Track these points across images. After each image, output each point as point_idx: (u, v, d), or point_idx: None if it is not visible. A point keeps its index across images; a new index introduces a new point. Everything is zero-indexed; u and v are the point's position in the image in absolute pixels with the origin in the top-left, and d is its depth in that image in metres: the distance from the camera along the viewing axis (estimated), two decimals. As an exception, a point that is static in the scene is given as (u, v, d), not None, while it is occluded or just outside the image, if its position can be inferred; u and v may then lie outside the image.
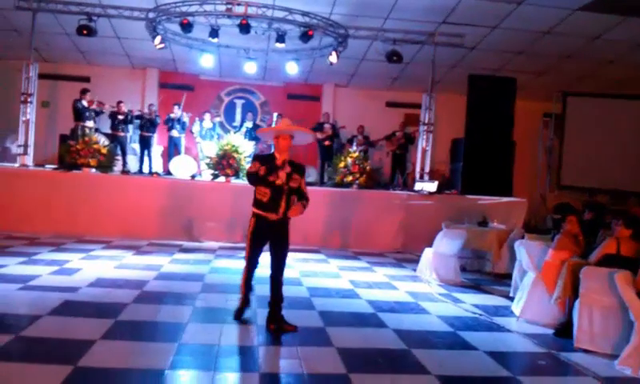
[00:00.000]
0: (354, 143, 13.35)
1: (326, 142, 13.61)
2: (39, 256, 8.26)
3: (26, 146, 11.97)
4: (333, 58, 12.37)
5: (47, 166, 11.80)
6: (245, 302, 5.62)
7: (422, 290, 7.58)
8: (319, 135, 13.70)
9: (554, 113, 14.31)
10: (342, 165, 11.67)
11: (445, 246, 8.18)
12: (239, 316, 5.55)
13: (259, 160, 5.21)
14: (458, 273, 8.14)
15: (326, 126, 13.74)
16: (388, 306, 6.54)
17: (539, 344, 5.40)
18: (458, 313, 6.45)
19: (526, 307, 6.20)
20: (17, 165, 11.46)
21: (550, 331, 5.79)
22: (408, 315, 6.21)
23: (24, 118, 11.95)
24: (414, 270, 8.76)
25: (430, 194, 11.44)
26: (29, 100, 11.99)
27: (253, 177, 5.18)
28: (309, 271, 8.39)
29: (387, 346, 5.03)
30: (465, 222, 9.54)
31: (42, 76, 13.10)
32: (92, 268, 7.68)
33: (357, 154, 11.94)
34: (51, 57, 14.00)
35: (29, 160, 11.91)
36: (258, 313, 5.86)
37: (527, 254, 6.43)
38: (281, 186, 5.14)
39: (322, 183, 12.88)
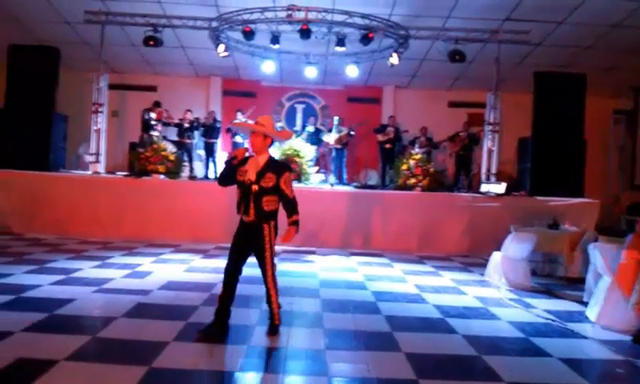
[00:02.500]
0: (416, 145, 13.19)
1: (388, 145, 13.52)
2: (112, 260, 8.58)
3: (97, 154, 12.49)
4: (394, 60, 12.28)
5: (118, 173, 12.27)
6: (216, 320, 5.01)
7: (490, 294, 7.38)
8: (381, 137, 13.62)
9: (626, 109, 13.64)
10: (404, 167, 11.55)
11: (514, 250, 7.94)
12: (205, 333, 4.91)
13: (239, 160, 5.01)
14: (529, 277, 7.88)
15: (389, 128, 13.64)
16: (456, 311, 6.40)
17: (616, 351, 5.14)
18: (529, 318, 6.23)
19: (602, 313, 5.92)
20: (90, 172, 11.97)
21: (628, 338, 5.50)
22: (477, 321, 6.05)
23: (95, 127, 12.48)
24: (482, 275, 8.54)
25: (498, 195, 11.14)
26: (99, 110, 12.52)
27: (221, 173, 5.14)
28: (373, 275, 8.34)
29: (457, 352, 4.92)
30: (534, 225, 9.22)
31: (112, 86, 13.66)
32: (162, 271, 7.92)
33: (420, 155, 11.78)
34: (120, 68, 14.56)
35: (101, 167, 12.42)
36: (324, 316, 5.86)
37: (602, 257, 6.15)
38: (249, 186, 4.87)
39: (383, 186, 12.79)
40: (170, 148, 11.85)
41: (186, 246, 10.20)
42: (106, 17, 11.85)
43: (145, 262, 8.52)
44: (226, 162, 5.08)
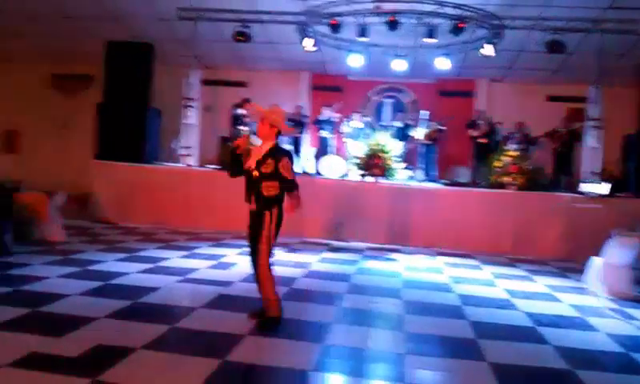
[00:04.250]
0: (512, 141, 12.50)
1: (482, 140, 12.92)
2: (199, 250, 8.78)
3: (190, 147, 12.89)
4: (487, 51, 11.71)
5: (209, 165, 12.58)
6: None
7: (588, 303, 6.80)
8: (473, 133, 13.05)
9: None
10: (497, 164, 10.98)
11: (616, 255, 7.28)
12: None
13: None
14: (632, 285, 7.19)
15: (481, 123, 13.05)
16: (549, 319, 5.93)
17: None
18: (630, 331, 5.67)
19: None
20: (182, 165, 12.36)
21: None
22: (572, 331, 5.57)
23: (186, 122, 12.88)
24: (580, 281, 7.92)
25: (600, 197, 10.33)
26: (192, 104, 12.90)
27: (229, 164, 5.12)
28: (460, 277, 7.96)
29: (547, 365, 4.52)
30: (639, 229, 8.43)
31: (205, 82, 14.04)
32: (246, 263, 7.95)
33: (515, 152, 11.14)
34: (212, 63, 14.91)
35: (193, 160, 12.80)
36: (406, 319, 5.62)
37: None
38: (251, 174, 4.89)
39: (475, 184, 12.25)
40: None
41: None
42: (198, 13, 12.15)
43: (230, 254, 8.64)
44: (230, 152, 5.11)
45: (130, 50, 12.90)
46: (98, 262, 7.40)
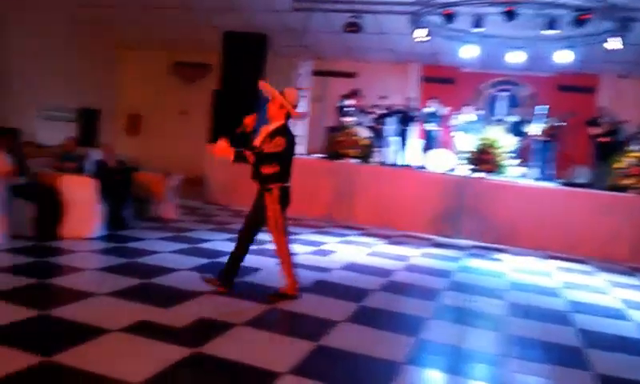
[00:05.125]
0: (636, 141, 11.52)
1: (603, 139, 12.04)
2: (302, 236, 8.94)
3: (297, 136, 13.16)
4: (613, 45, 10.85)
5: (315, 155, 12.79)
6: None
7: None
8: (594, 131, 12.20)
9: None
10: (619, 165, 10.19)
11: None
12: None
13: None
14: None
15: (603, 121, 12.16)
16: (669, 334, 5.44)
17: None
18: None
19: None
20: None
21: None
22: (696, 349, 5.07)
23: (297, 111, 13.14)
24: None
25: None
26: (302, 95, 13.14)
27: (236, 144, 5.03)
28: (571, 283, 7.49)
29: (664, 383, 4.15)
30: None
31: (315, 73, 14.25)
32: (345, 252, 8.04)
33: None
34: (323, 54, 15.10)
35: (301, 149, 13.06)
36: (508, 321, 5.39)
37: None
38: (255, 150, 4.97)
39: (594, 185, 11.44)
40: (363, 133, 12.00)
41: (372, 230, 10.25)
42: (313, 4, 12.31)
43: (330, 242, 8.74)
44: (238, 132, 5.08)
45: (245, 39, 13.36)
46: (207, 240, 7.78)
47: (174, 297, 4.97)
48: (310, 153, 13.28)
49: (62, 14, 14.49)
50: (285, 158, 5.00)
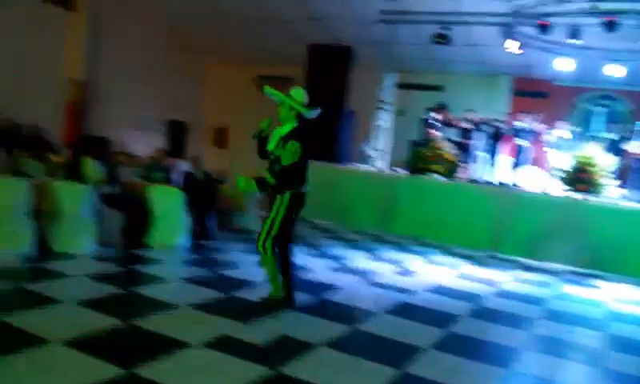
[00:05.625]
0: None
1: None
2: (383, 253, 8.71)
3: (380, 150, 12.95)
4: None
5: (397, 169, 12.52)
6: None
7: None
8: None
9: None
10: None
11: None
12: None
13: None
14: None
15: None
16: None
17: None
18: None
19: None
20: (372, 167, 12.45)
21: None
22: None
23: (379, 124, 12.95)
24: None
25: None
26: (385, 107, 12.94)
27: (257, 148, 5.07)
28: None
29: None
30: None
31: (400, 85, 14.00)
32: (430, 272, 7.72)
33: None
34: (408, 66, 14.81)
35: (383, 163, 12.83)
36: (607, 355, 4.91)
37: None
38: (270, 155, 4.92)
39: None
40: (450, 148, 11.60)
41: (456, 249, 9.84)
42: (399, 16, 12.10)
43: (414, 261, 8.43)
44: (254, 136, 5.10)
45: (329, 52, 13.34)
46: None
47: (254, 312, 4.88)
48: (392, 167, 13.02)
49: (154, 31, 15.12)
50: (301, 163, 4.87)
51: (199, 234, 7.80)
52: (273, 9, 12.93)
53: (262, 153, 5.08)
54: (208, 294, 5.25)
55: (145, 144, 13.56)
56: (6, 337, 3.70)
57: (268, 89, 5.02)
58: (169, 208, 7.10)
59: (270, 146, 4.94)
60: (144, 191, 7.15)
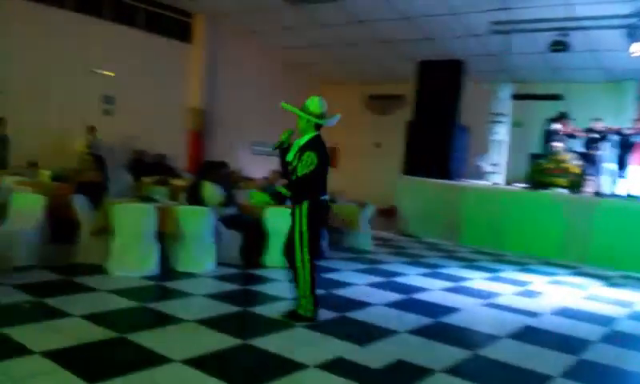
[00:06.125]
0: None
1: None
2: (503, 274, 8.29)
3: (496, 164, 12.42)
4: None
5: (516, 184, 11.93)
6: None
7: None
8: None
9: None
10: None
11: None
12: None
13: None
14: None
15: None
16: None
17: None
18: None
19: None
20: (488, 182, 11.96)
21: None
22: None
23: (494, 138, 12.43)
24: None
25: None
26: (501, 120, 12.42)
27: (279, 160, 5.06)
28: None
29: None
30: None
31: (515, 96, 13.41)
32: (556, 294, 7.22)
33: None
34: (523, 77, 14.17)
35: (500, 178, 12.29)
36: None
37: None
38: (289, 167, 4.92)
39: None
40: (574, 160, 10.86)
41: (584, 268, 9.14)
42: (512, 25, 11.63)
43: (537, 281, 7.93)
44: (274, 147, 5.09)
45: (440, 67, 13.11)
46: (402, 274, 7.56)
47: (369, 333, 4.80)
48: (509, 182, 12.43)
49: (267, 57, 15.69)
50: (318, 172, 4.81)
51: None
52: (382, 30, 12.94)
53: (284, 165, 5.05)
54: (322, 314, 5.23)
55: (260, 167, 14.05)
56: (130, 355, 3.89)
57: (284, 104, 5.07)
58: (283, 228, 7.21)
59: (289, 157, 4.94)
60: (260, 212, 7.34)
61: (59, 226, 6.67)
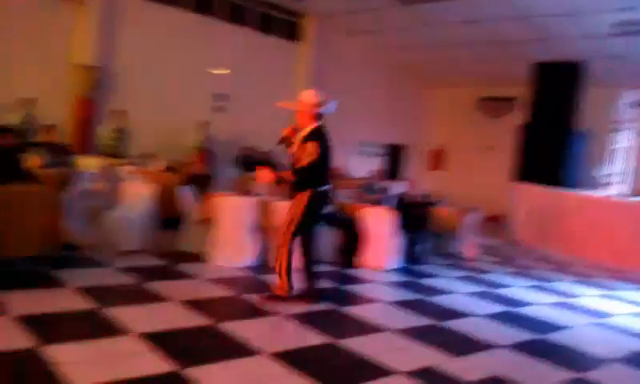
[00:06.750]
0: None
1: None
2: (620, 292, 7.61)
3: (619, 174, 11.48)
4: None
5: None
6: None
7: None
8: None
9: None
10: None
11: None
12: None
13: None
14: None
15: None
16: None
17: None
18: None
19: None
20: (607, 192, 11.08)
21: None
22: None
23: (616, 146, 11.49)
24: None
25: None
26: (623, 127, 11.46)
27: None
28: None
29: None
30: None
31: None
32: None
33: None
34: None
35: (623, 189, 11.34)
36: None
37: None
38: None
39: None
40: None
41: None
42: (636, 26, 10.64)
43: (660, 303, 7.19)
44: (279, 143, 5.18)
45: (556, 70, 12.33)
46: (505, 285, 7.15)
47: (465, 345, 4.55)
48: (636, 193, 11.40)
49: (373, 58, 15.59)
50: (320, 162, 4.88)
51: (411, 257, 7.65)
52: (497, 30, 12.36)
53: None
54: (416, 320, 5.06)
55: (362, 166, 13.97)
56: (222, 343, 3.95)
57: (279, 104, 5.35)
58: (381, 229, 7.09)
59: (293, 150, 5.04)
60: (358, 212, 7.25)
61: (166, 214, 6.99)
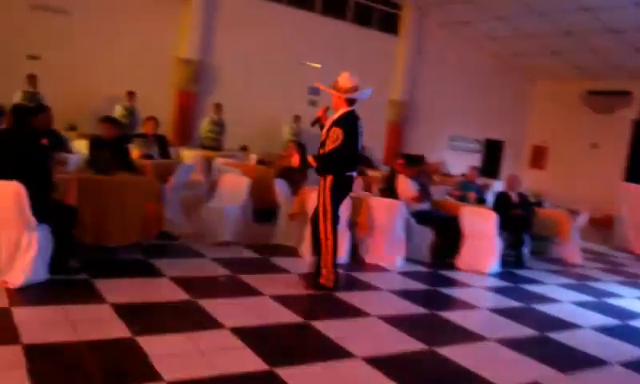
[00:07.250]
0: None
1: None
2: None
3: None
4: None
5: None
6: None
7: None
8: None
9: None
10: None
11: None
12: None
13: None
14: None
15: None
16: None
17: None
18: None
19: None
20: None
21: None
22: None
23: None
24: None
25: None
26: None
27: None
28: None
29: None
30: None
31: None
32: None
33: None
34: None
35: None
36: None
37: None
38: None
39: None
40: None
41: None
42: None
43: None
44: (312, 124, 5.21)
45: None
46: (616, 295, 6.59)
47: (573, 359, 4.19)
48: None
49: (474, 51, 15.00)
50: (345, 148, 4.79)
51: (511, 260, 7.24)
52: (612, 17, 11.46)
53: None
54: (519, 331, 4.72)
55: (460, 162, 13.50)
56: (312, 342, 3.87)
57: (317, 84, 5.33)
58: (480, 230, 6.72)
59: (323, 131, 4.99)
60: (455, 210, 6.94)
61: (261, 206, 7.04)
